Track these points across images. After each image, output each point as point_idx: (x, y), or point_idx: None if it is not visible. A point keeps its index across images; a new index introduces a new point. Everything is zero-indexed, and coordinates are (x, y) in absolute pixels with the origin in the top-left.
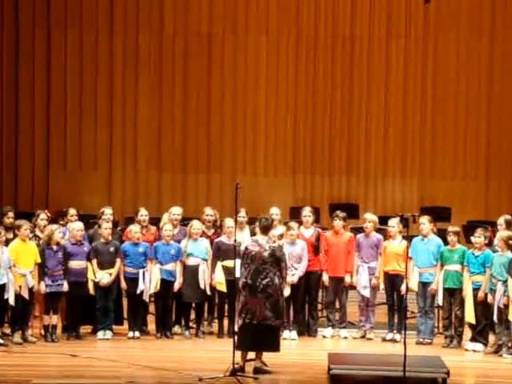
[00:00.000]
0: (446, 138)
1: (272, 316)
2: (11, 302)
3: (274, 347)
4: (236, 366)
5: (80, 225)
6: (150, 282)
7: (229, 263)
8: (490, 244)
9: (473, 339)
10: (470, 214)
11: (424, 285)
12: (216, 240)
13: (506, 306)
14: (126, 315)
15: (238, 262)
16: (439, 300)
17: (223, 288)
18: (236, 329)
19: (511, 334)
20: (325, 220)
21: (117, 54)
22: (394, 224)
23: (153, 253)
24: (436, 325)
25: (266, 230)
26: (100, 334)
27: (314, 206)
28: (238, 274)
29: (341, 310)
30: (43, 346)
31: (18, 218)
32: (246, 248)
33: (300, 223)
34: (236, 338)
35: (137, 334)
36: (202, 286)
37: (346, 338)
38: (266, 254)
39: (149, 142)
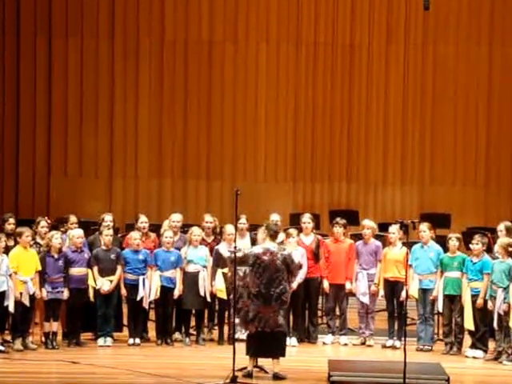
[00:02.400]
0: (446, 145)
1: (284, 323)
2: (11, 309)
3: (282, 352)
4: (245, 370)
5: (80, 232)
6: (149, 288)
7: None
8: (489, 250)
9: (473, 346)
10: (470, 221)
11: (424, 291)
12: (216, 247)
13: (506, 313)
14: (125, 322)
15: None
16: (439, 307)
17: (223, 295)
18: (243, 335)
19: (511, 341)
20: (325, 227)
21: (117, 61)
22: (394, 230)
23: (153, 259)
24: (436, 331)
25: (274, 236)
26: (100, 341)
27: (314, 212)
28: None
29: (341, 316)
30: (44, 352)
31: (18, 225)
32: (258, 257)
33: (300, 230)
34: (246, 344)
35: (137, 340)
36: (201, 293)
37: (346, 344)
38: (278, 262)
39: (149, 148)
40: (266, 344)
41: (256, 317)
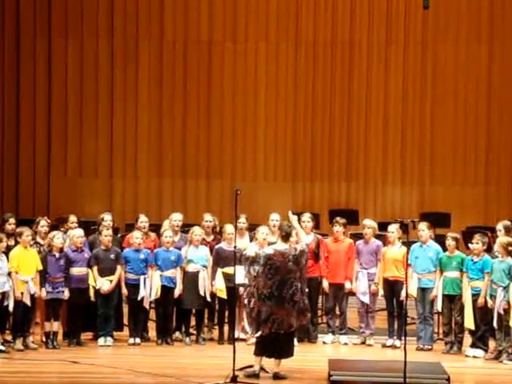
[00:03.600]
0: (446, 144)
1: (295, 323)
2: (11, 309)
3: (291, 353)
4: (250, 370)
5: (80, 232)
6: (150, 288)
7: (229, 270)
8: (489, 250)
9: (473, 345)
10: (470, 220)
11: (423, 291)
12: (216, 247)
13: (506, 312)
14: (126, 321)
15: (238, 268)
16: (438, 306)
17: (223, 295)
18: (255, 334)
19: (511, 340)
20: (325, 226)
21: (117, 61)
22: (393, 230)
23: (153, 259)
24: (436, 331)
25: (286, 237)
26: (101, 341)
27: (314, 212)
28: (238, 280)
29: (341, 316)
30: (44, 352)
31: (19, 225)
32: (269, 258)
33: None
34: (255, 344)
35: (137, 340)
36: (201, 293)
37: (346, 344)
38: (290, 263)
39: (149, 148)
40: (279, 345)
41: (269, 318)
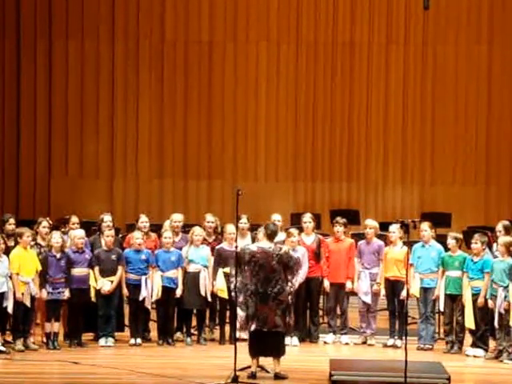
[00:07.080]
0: (446, 144)
1: (282, 323)
2: (9, 310)
3: (282, 352)
4: (248, 371)
5: (81, 232)
6: (151, 289)
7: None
8: (489, 249)
9: (473, 345)
10: (470, 220)
11: (425, 291)
12: (217, 247)
13: (507, 312)
14: (127, 322)
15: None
16: (440, 306)
17: (225, 295)
18: (246, 335)
19: (511, 340)
20: (325, 226)
21: (118, 62)
22: (394, 230)
23: (154, 260)
24: (437, 330)
25: (272, 236)
26: (102, 341)
27: (315, 212)
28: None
29: (342, 316)
30: (45, 353)
31: (19, 226)
32: (253, 255)
33: (301, 229)
34: (248, 344)
35: (138, 340)
36: (202, 293)
37: (347, 344)
38: (274, 262)
39: (150, 148)
40: (264, 343)
41: (255, 315)
